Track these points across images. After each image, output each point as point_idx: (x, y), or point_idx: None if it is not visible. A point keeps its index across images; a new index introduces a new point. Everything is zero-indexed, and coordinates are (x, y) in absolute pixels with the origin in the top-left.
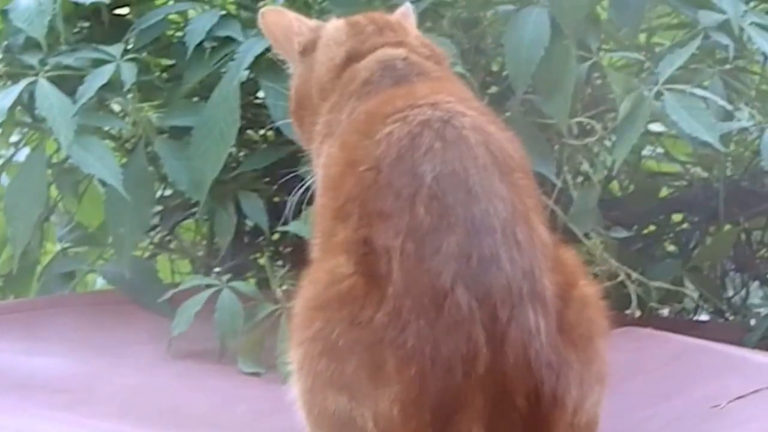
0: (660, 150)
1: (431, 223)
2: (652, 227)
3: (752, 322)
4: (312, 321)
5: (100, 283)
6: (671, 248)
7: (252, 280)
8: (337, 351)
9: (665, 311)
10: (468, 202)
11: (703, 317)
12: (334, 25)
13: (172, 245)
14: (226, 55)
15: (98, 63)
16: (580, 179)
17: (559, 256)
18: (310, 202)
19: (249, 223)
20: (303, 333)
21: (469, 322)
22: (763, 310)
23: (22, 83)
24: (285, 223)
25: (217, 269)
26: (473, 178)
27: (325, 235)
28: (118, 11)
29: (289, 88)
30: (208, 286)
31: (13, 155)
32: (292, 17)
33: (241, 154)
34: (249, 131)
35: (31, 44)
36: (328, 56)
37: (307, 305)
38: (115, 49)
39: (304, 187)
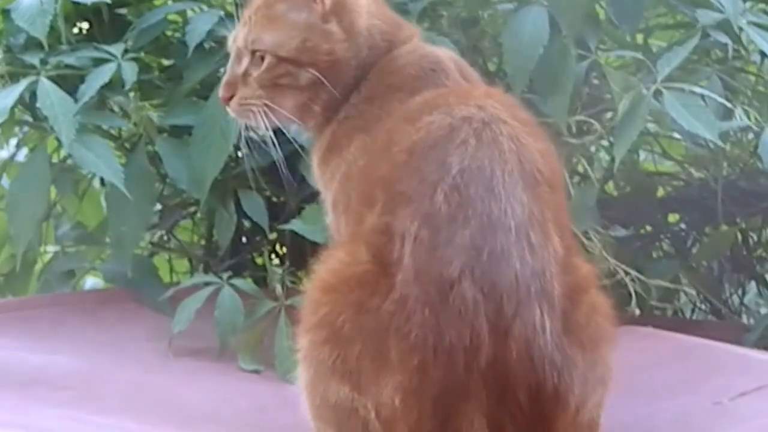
0: (657, 150)
1: (448, 212)
2: (648, 227)
3: (750, 321)
4: (319, 305)
5: (90, 283)
6: (668, 248)
7: (249, 279)
8: (341, 337)
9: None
10: (487, 199)
11: (700, 317)
12: None
13: (170, 244)
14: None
15: (99, 62)
16: (577, 178)
17: (573, 261)
18: (310, 201)
19: (246, 222)
20: (310, 319)
21: (473, 314)
22: (762, 310)
23: (24, 82)
24: (284, 222)
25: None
26: (497, 179)
27: (355, 223)
28: (118, 11)
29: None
30: (208, 283)
31: (13, 155)
32: None
33: (241, 153)
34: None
35: (33, 43)
36: (366, 27)
37: (317, 286)
38: (116, 49)
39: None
